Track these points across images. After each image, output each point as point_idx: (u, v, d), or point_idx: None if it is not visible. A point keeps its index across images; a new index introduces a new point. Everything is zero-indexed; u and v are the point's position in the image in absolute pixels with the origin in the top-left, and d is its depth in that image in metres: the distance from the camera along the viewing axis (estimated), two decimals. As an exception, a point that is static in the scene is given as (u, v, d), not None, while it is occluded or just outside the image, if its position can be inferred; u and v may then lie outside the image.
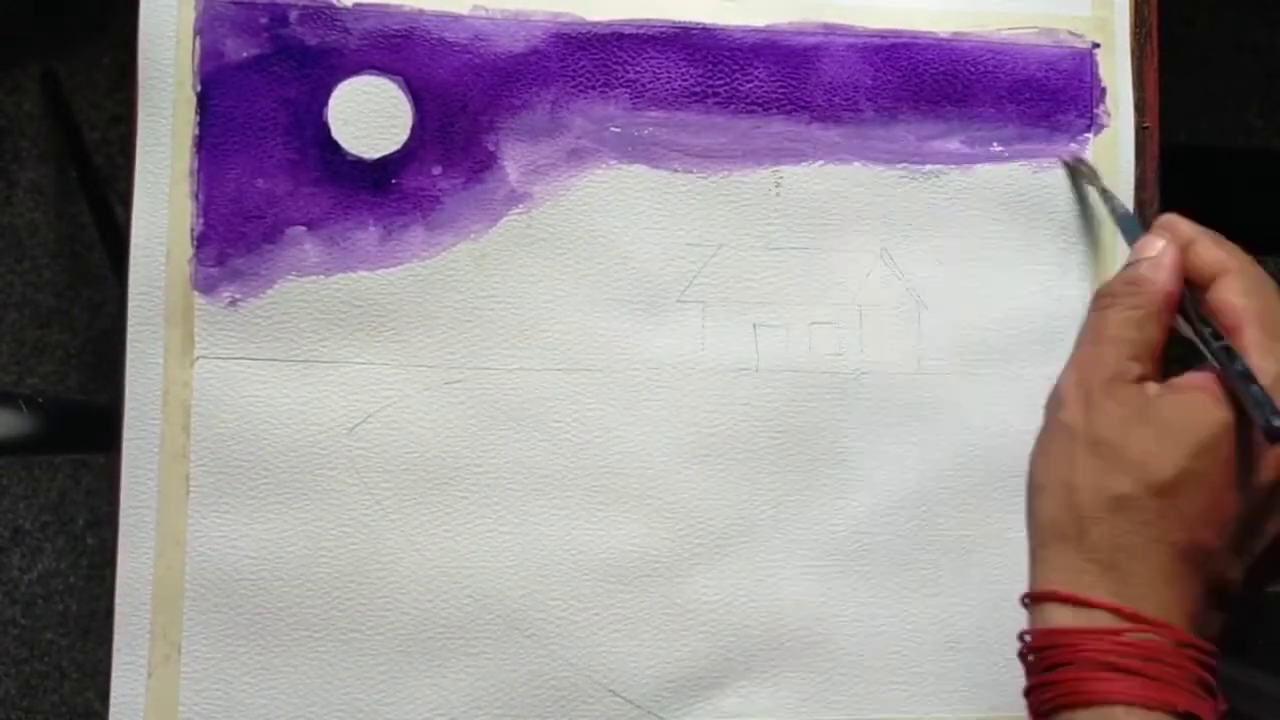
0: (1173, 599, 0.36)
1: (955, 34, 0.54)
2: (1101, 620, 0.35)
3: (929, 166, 0.53)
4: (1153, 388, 0.38)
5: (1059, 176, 0.54)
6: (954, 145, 0.54)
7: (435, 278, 0.50)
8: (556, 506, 0.50)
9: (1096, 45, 0.55)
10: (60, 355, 1.21)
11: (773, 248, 0.52)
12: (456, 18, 0.51)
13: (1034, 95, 0.54)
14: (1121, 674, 0.34)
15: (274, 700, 0.48)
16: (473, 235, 0.50)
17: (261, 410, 0.49)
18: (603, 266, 0.51)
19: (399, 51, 0.50)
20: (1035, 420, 0.54)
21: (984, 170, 0.54)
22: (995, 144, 0.54)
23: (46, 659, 1.17)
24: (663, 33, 0.52)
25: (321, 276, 0.50)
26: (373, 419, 0.49)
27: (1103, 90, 0.55)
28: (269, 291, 0.49)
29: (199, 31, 0.49)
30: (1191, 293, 0.40)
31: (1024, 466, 0.54)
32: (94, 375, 1.21)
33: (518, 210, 0.51)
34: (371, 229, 0.50)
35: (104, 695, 0.48)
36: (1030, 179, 0.54)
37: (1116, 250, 0.54)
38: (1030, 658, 0.37)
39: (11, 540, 1.18)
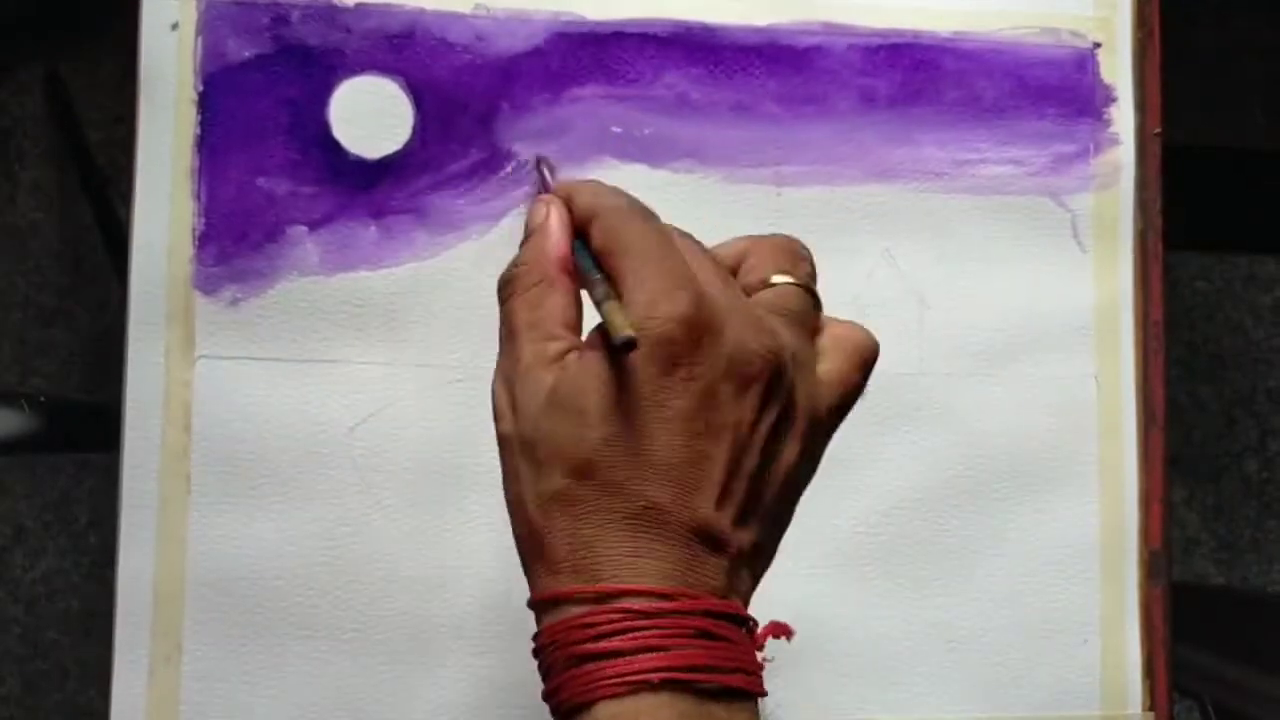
0: (646, 569, 0.33)
1: (957, 33, 0.54)
2: (573, 612, 0.33)
3: (931, 166, 0.53)
4: (571, 359, 0.35)
5: (1060, 176, 0.54)
6: (955, 144, 0.54)
7: (436, 277, 0.50)
8: (557, 506, 0.50)
9: (1098, 45, 0.55)
10: (62, 355, 1.21)
11: (774, 248, 0.52)
12: (458, 17, 0.51)
13: (1035, 95, 0.54)
14: (604, 658, 0.32)
15: (275, 699, 0.48)
16: (474, 235, 0.51)
17: (262, 410, 0.49)
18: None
19: (400, 51, 0.50)
20: (1037, 420, 0.54)
21: (985, 169, 0.54)
22: (996, 143, 0.54)
23: (48, 658, 1.17)
24: (664, 32, 0.52)
25: (322, 276, 0.50)
26: (374, 418, 0.49)
27: (1105, 90, 0.55)
28: (270, 291, 0.49)
29: (200, 32, 0.49)
30: (580, 244, 0.37)
31: (1024, 467, 0.54)
32: (96, 375, 1.21)
33: (519, 210, 0.51)
34: (372, 229, 0.50)
35: (105, 694, 0.48)
36: (1032, 178, 0.54)
37: (1119, 250, 0.54)
38: (540, 663, 0.35)
39: (14, 539, 1.18)
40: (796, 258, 0.38)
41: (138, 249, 0.49)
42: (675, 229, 0.37)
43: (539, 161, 0.50)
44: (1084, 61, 0.55)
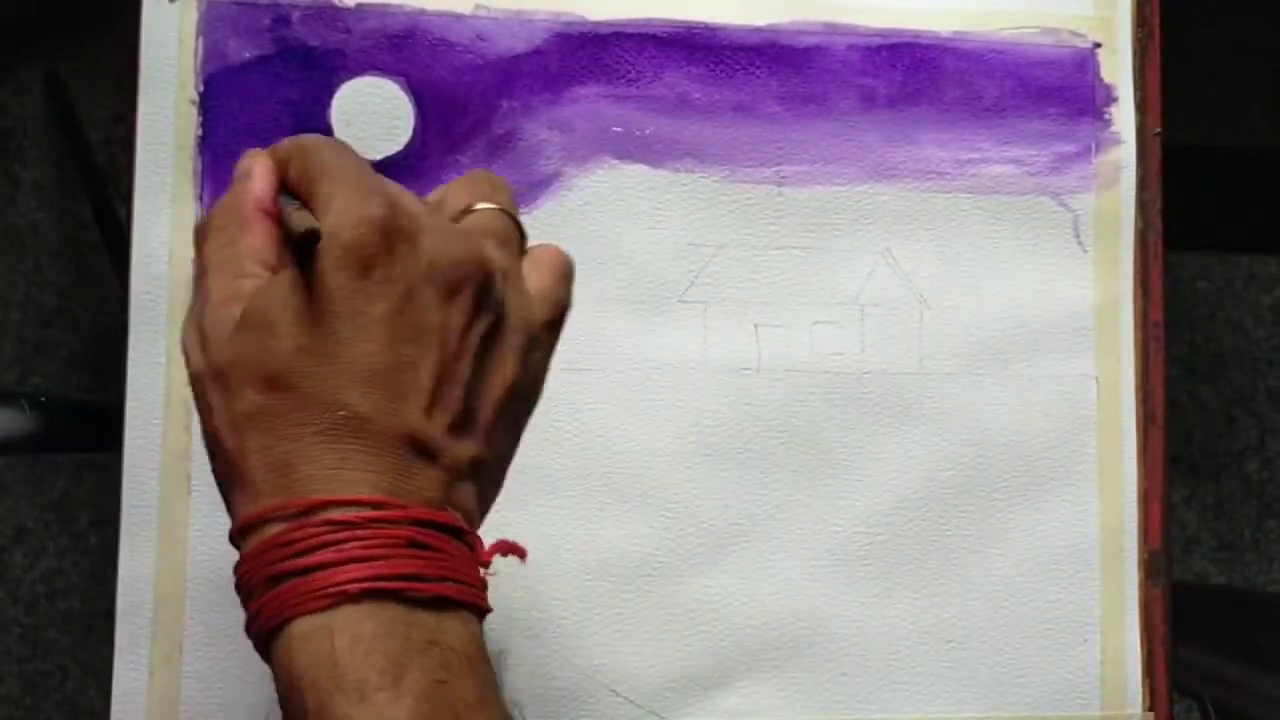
0: (351, 480, 0.32)
1: (957, 33, 0.54)
2: (273, 530, 0.32)
3: (931, 166, 0.53)
4: (261, 285, 0.34)
5: (1061, 175, 0.54)
6: (956, 144, 0.54)
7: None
8: (558, 506, 0.50)
9: (1099, 45, 0.55)
10: (63, 355, 1.21)
11: (774, 247, 0.52)
12: (458, 18, 0.51)
13: (1036, 95, 0.54)
14: (302, 574, 0.31)
15: (275, 699, 0.48)
16: (474, 235, 0.51)
17: (263, 410, 0.49)
18: (604, 266, 0.51)
19: (401, 52, 0.50)
20: (1036, 419, 0.54)
21: (986, 169, 0.54)
22: (997, 143, 0.54)
23: (49, 658, 1.17)
24: (664, 32, 0.52)
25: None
26: (374, 418, 0.49)
27: (1105, 90, 0.55)
28: (271, 291, 0.49)
29: (201, 32, 0.49)
30: (285, 192, 0.36)
31: (1024, 466, 0.54)
32: (96, 375, 1.21)
33: (519, 210, 0.51)
34: (373, 229, 0.50)
35: (106, 694, 0.48)
36: (1032, 178, 0.54)
37: (1120, 249, 0.54)
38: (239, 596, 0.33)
39: (14, 539, 1.18)
40: (493, 186, 0.38)
41: (138, 249, 0.49)
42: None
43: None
44: (1084, 61, 0.55)
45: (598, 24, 0.52)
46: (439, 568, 0.32)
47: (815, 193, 0.53)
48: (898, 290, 0.53)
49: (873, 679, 0.52)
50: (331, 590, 0.31)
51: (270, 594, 0.31)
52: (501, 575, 0.50)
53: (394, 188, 0.34)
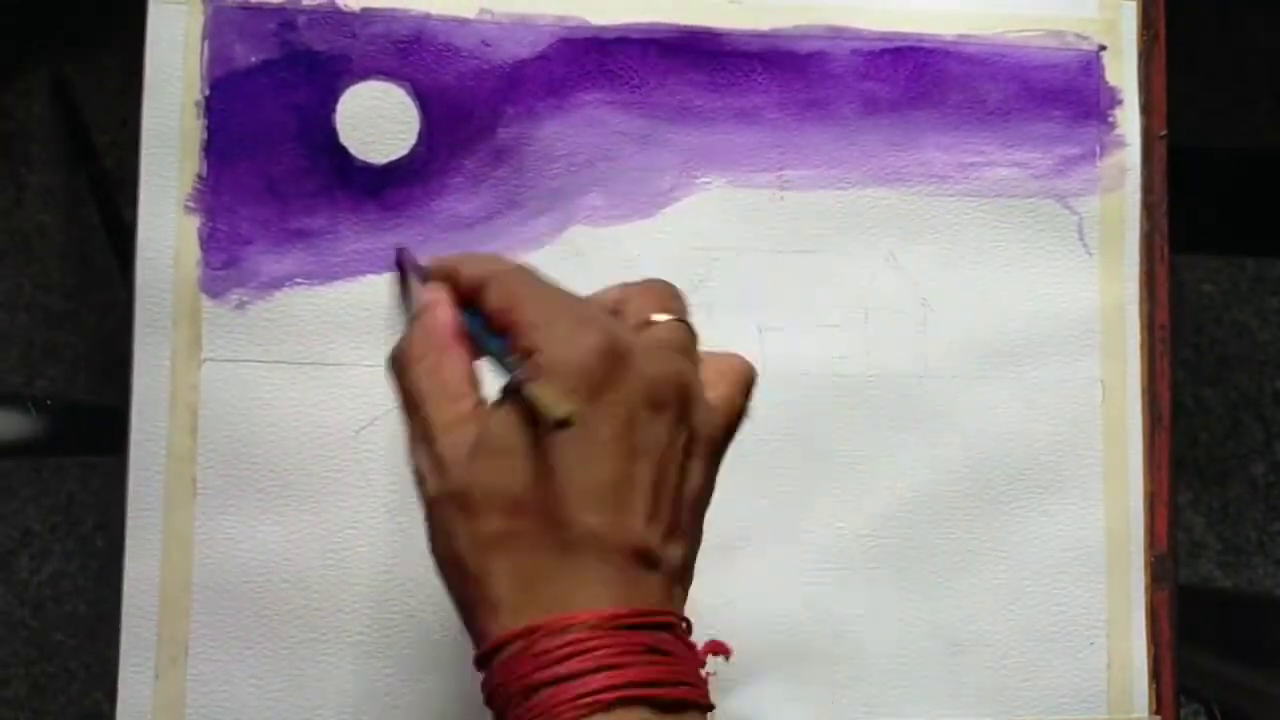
0: (590, 594, 0.34)
1: (961, 36, 0.54)
2: (522, 644, 0.34)
3: (935, 169, 0.53)
4: (488, 410, 0.36)
5: (1065, 178, 0.54)
6: (960, 148, 0.54)
7: (441, 281, 0.50)
8: (562, 509, 0.50)
9: (1103, 48, 0.55)
10: (69, 357, 1.21)
11: (778, 251, 0.52)
12: (463, 22, 0.51)
13: (1040, 98, 0.54)
14: (554, 684, 0.33)
15: (281, 702, 0.48)
16: (480, 239, 0.51)
17: (268, 413, 0.49)
18: (609, 270, 0.51)
19: (406, 56, 0.51)
20: (1041, 423, 0.54)
21: (990, 172, 0.54)
22: (1001, 146, 0.54)
23: (55, 660, 1.17)
24: (668, 37, 0.52)
25: (329, 280, 0.50)
26: (379, 421, 0.50)
27: (1110, 92, 0.55)
28: (276, 295, 0.49)
29: (206, 36, 0.50)
30: (470, 314, 0.38)
31: (1029, 470, 0.54)
32: (102, 378, 1.21)
33: (524, 214, 0.51)
34: (379, 233, 0.50)
35: (112, 696, 0.48)
36: (1037, 181, 0.54)
37: (1125, 252, 0.54)
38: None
39: (20, 542, 1.19)
40: (671, 296, 0.40)
41: (143, 252, 0.49)
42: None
43: (400, 254, 0.47)
44: (1089, 64, 0.55)
45: (601, 29, 0.52)
46: (675, 672, 0.34)
47: (818, 197, 0.53)
48: (902, 294, 0.53)
49: (878, 683, 0.52)
50: (586, 700, 0.33)
51: (528, 704, 0.33)
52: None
53: (598, 309, 0.37)
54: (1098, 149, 0.54)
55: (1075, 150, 0.54)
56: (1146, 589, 0.53)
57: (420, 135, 0.51)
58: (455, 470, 0.36)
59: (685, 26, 0.52)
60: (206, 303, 0.49)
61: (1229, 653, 0.85)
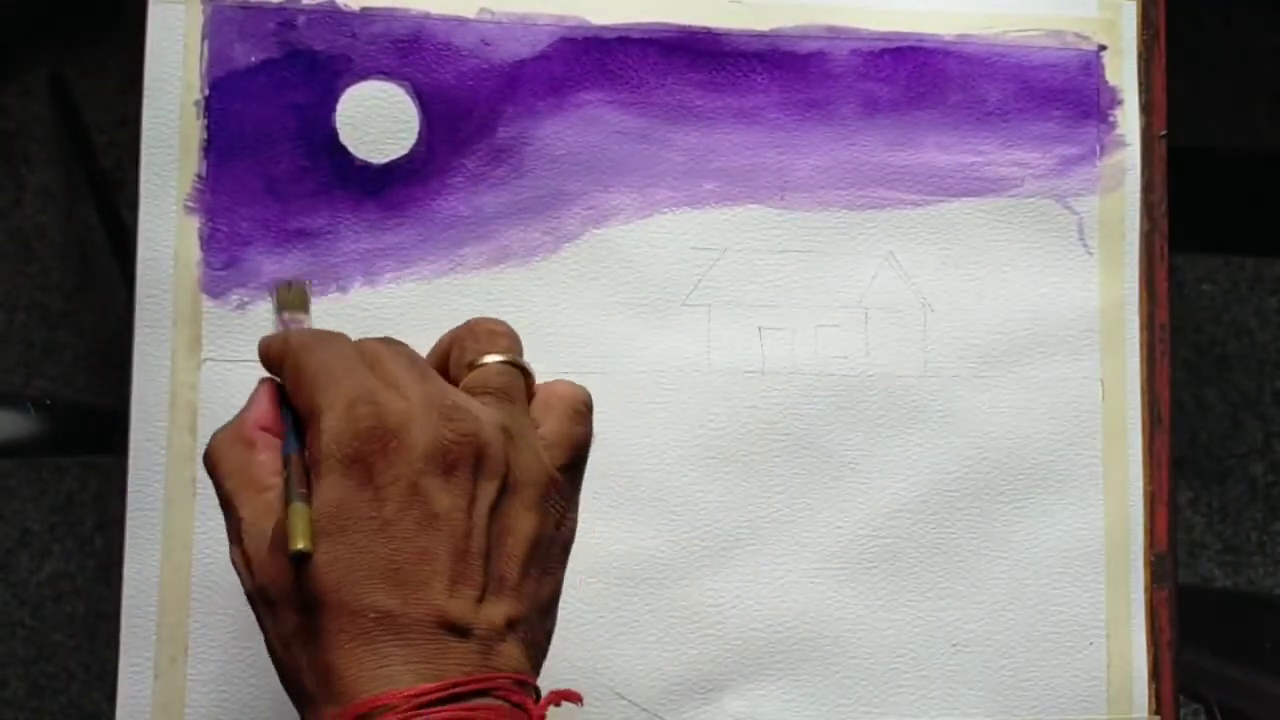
0: (394, 675, 0.34)
1: (960, 36, 0.54)
2: None
3: (935, 169, 0.53)
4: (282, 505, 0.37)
5: (1065, 178, 0.54)
6: (960, 148, 0.54)
7: (442, 282, 0.50)
8: (562, 509, 0.50)
9: (1103, 47, 0.55)
10: (68, 358, 1.21)
11: (778, 251, 0.52)
12: (463, 22, 0.51)
13: (1040, 98, 0.54)
14: None
15: (280, 702, 0.48)
16: (480, 239, 0.51)
17: (268, 413, 0.49)
18: (608, 270, 0.51)
19: (406, 56, 0.51)
20: (1041, 423, 0.54)
21: (989, 172, 0.54)
22: (1001, 146, 0.54)
23: (54, 660, 1.17)
24: (667, 37, 0.52)
25: (329, 280, 0.50)
26: (379, 422, 0.50)
27: (1110, 92, 0.55)
28: (276, 295, 0.49)
29: (206, 36, 0.50)
30: (283, 395, 0.39)
31: (1029, 470, 0.54)
32: (102, 378, 1.21)
33: (524, 214, 0.51)
34: (378, 233, 0.50)
35: (111, 697, 0.48)
36: (1037, 181, 0.54)
37: (1125, 252, 0.54)
38: None
39: (19, 542, 1.19)
40: (495, 336, 0.39)
41: (144, 252, 0.49)
42: (377, 340, 0.39)
43: (277, 287, 0.45)
44: (1089, 64, 0.55)
45: (601, 29, 0.52)
46: None
47: (818, 197, 0.53)
48: (902, 293, 0.53)
49: (877, 683, 0.52)
50: None
51: None
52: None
53: (386, 378, 0.36)
54: (1098, 149, 0.54)
55: (1075, 150, 0.54)
56: (1146, 589, 0.53)
57: (420, 135, 0.51)
58: (257, 568, 0.36)
59: (685, 27, 0.52)
60: (207, 303, 0.49)
61: (1229, 653, 0.85)
